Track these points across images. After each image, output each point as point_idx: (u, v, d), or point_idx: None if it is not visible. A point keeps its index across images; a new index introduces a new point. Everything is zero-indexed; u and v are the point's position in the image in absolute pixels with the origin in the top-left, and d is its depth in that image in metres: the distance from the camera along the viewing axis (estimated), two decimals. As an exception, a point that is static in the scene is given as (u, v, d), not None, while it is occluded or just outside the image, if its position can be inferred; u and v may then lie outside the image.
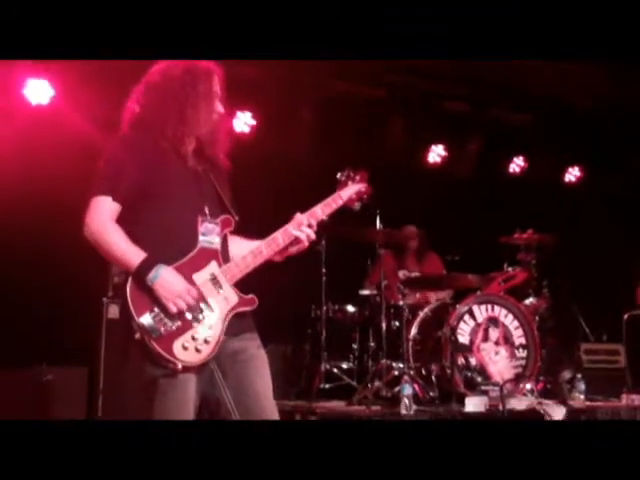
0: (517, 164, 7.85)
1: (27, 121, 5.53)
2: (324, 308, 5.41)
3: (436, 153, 7.47)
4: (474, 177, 7.42)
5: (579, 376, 5.03)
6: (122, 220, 2.46)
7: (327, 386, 5.23)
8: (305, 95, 6.48)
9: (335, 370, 5.37)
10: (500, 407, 4.46)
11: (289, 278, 5.20)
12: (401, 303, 5.30)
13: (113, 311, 5.07)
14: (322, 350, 5.31)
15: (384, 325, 5.13)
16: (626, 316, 4.99)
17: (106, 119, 5.50)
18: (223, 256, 2.57)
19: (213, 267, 2.50)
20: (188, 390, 2.41)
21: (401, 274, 5.92)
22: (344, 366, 5.47)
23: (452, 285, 5.75)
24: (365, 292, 5.70)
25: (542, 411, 4.57)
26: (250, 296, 2.54)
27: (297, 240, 2.61)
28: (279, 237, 2.61)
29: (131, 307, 2.34)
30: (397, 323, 5.34)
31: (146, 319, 2.33)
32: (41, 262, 5.34)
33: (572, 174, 8.13)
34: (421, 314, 5.27)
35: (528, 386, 5.01)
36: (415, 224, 6.25)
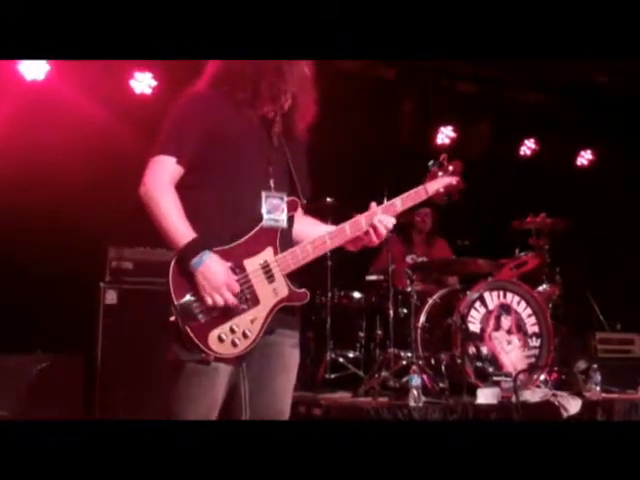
0: (528, 146, 7.67)
1: (21, 99, 5.30)
2: (329, 294, 5.21)
3: (445, 134, 7.28)
4: (484, 159, 7.21)
5: (594, 366, 4.83)
6: (182, 184, 2.27)
7: (332, 376, 5.05)
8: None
9: (341, 359, 5.18)
10: (513, 399, 4.29)
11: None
12: (409, 289, 5.10)
13: (110, 297, 4.89)
14: (327, 338, 5.12)
15: (391, 312, 4.93)
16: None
17: (105, 95, 5.46)
18: (283, 240, 2.34)
19: (268, 254, 2.29)
20: (213, 382, 2.24)
21: (409, 259, 5.73)
22: (350, 355, 5.27)
23: (462, 270, 5.55)
24: (372, 278, 5.50)
25: (557, 403, 4.41)
26: (302, 290, 2.32)
27: (366, 235, 2.39)
28: (347, 229, 2.38)
29: (171, 287, 2.17)
30: (405, 310, 5.14)
31: (185, 302, 2.17)
32: (36, 245, 5.17)
33: (584, 157, 7.94)
34: (430, 301, 5.08)
35: (542, 377, 4.83)
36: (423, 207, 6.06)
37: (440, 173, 2.55)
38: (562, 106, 7.10)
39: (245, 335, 2.21)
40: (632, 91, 6.62)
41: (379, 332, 5.23)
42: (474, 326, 4.78)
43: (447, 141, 7.29)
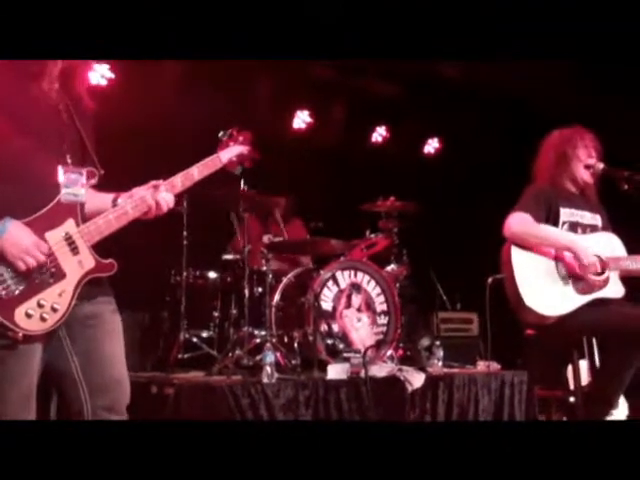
0: (379, 133, 7.94)
1: None
2: (184, 274, 5.15)
3: (301, 119, 7.38)
4: (338, 144, 7.38)
5: (437, 343, 5.11)
6: None
7: (186, 356, 5.00)
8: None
9: (195, 339, 5.14)
10: (362, 374, 4.45)
11: (146, 241, 4.92)
12: (264, 269, 5.15)
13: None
14: (181, 318, 5.07)
15: (247, 292, 4.96)
16: (490, 280, 5.12)
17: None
18: (83, 212, 2.30)
19: (69, 226, 2.23)
20: (30, 359, 2.16)
21: (265, 239, 5.77)
22: (204, 335, 5.24)
23: (316, 250, 5.67)
24: (228, 257, 5.50)
25: (402, 378, 4.61)
26: (109, 261, 2.30)
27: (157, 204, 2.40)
28: (148, 197, 2.37)
29: None
30: (260, 289, 5.18)
31: None
32: None
33: (431, 145, 8.33)
34: (285, 280, 5.16)
35: (389, 353, 5.05)
36: (279, 189, 6.11)
37: (231, 143, 2.66)
38: (412, 95, 7.38)
39: (54, 309, 2.16)
40: (479, 84, 7.00)
41: (234, 311, 5.24)
42: (326, 304, 4.92)
43: (304, 126, 7.40)
